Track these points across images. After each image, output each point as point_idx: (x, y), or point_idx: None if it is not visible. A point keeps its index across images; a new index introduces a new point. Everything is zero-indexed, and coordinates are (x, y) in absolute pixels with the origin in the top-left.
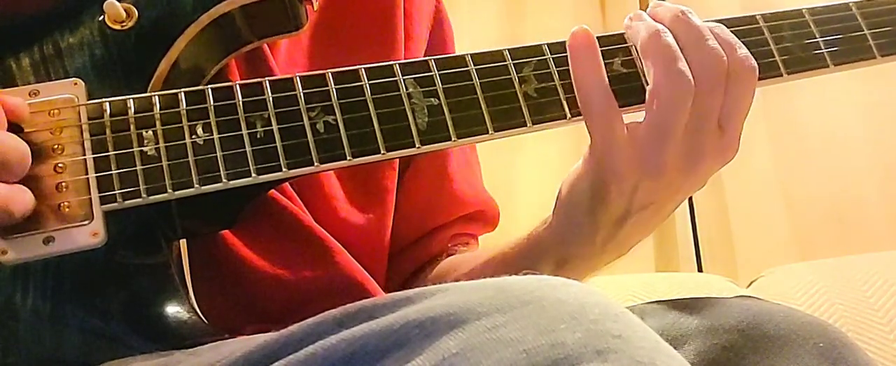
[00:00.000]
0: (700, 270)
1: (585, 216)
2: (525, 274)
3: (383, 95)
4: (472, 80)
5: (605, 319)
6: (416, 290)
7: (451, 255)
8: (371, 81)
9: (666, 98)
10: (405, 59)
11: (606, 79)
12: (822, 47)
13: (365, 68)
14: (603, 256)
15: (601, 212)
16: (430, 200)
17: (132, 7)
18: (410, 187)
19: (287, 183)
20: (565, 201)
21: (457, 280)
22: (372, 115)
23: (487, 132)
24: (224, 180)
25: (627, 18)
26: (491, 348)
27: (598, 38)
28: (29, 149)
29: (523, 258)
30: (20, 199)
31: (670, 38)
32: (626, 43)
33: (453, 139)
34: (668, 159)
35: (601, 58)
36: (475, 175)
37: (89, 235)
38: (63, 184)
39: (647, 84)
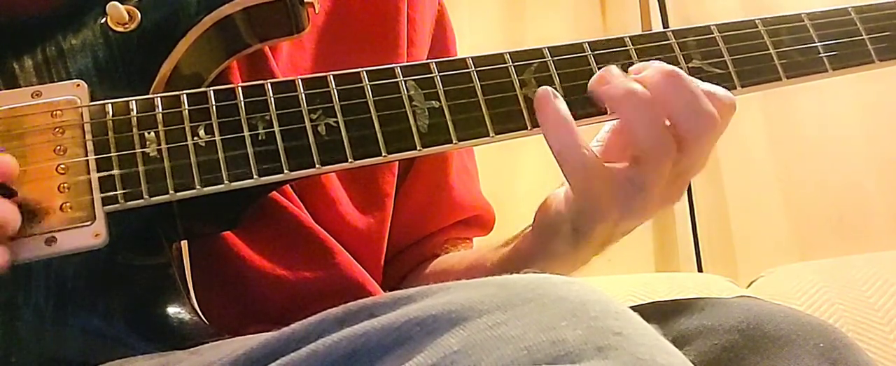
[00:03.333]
0: (700, 270)
1: (570, 247)
2: (526, 272)
3: (385, 97)
4: (473, 82)
5: (605, 316)
6: (417, 288)
7: (444, 254)
8: (372, 84)
9: (653, 161)
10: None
11: (579, 136)
12: (821, 52)
13: (366, 71)
14: (584, 264)
15: (585, 244)
16: (427, 204)
17: (135, 9)
18: (409, 192)
19: (288, 184)
20: (547, 231)
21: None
22: (373, 117)
23: (488, 135)
24: (226, 182)
25: (596, 77)
26: (492, 346)
27: (597, 41)
28: (18, 213)
29: (503, 271)
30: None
31: (648, 97)
32: (625, 47)
33: (454, 142)
34: (651, 203)
35: (571, 120)
36: (472, 180)
37: (91, 235)
38: (65, 184)
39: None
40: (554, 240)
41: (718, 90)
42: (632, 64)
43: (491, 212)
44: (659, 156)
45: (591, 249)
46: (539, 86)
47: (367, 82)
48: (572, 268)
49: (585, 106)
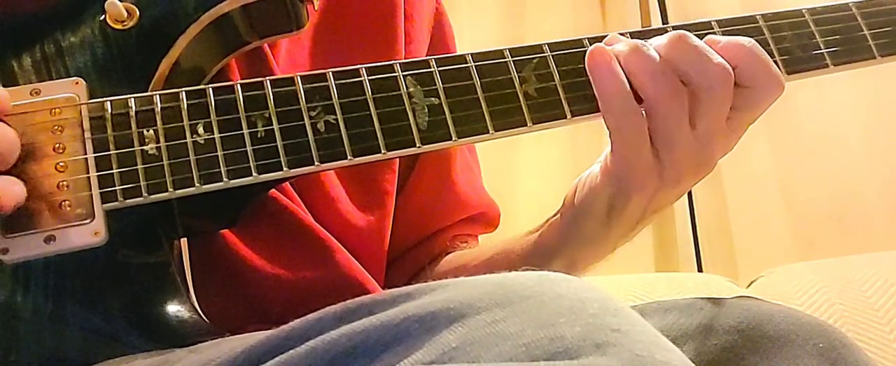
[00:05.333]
0: (700, 270)
1: (601, 226)
2: (525, 270)
3: (384, 94)
4: (472, 79)
5: (604, 313)
6: (416, 286)
7: (452, 252)
8: (371, 80)
9: (663, 109)
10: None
11: (628, 86)
12: (822, 47)
13: (365, 67)
14: (612, 251)
15: (617, 222)
16: (433, 202)
17: (133, 6)
18: (414, 190)
19: (288, 182)
20: (579, 211)
21: (457, 277)
22: (372, 114)
23: (488, 132)
24: (225, 179)
25: (589, 55)
26: (490, 342)
27: (596, 37)
28: (17, 137)
29: (530, 260)
30: (10, 190)
31: (651, 51)
32: None
33: (454, 139)
34: (684, 169)
35: (618, 66)
36: (476, 177)
37: (90, 233)
38: (64, 182)
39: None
40: (587, 221)
41: (741, 39)
42: None
43: (496, 209)
44: (668, 103)
45: (622, 230)
46: (539, 82)
47: (367, 79)
48: (602, 255)
49: (587, 102)
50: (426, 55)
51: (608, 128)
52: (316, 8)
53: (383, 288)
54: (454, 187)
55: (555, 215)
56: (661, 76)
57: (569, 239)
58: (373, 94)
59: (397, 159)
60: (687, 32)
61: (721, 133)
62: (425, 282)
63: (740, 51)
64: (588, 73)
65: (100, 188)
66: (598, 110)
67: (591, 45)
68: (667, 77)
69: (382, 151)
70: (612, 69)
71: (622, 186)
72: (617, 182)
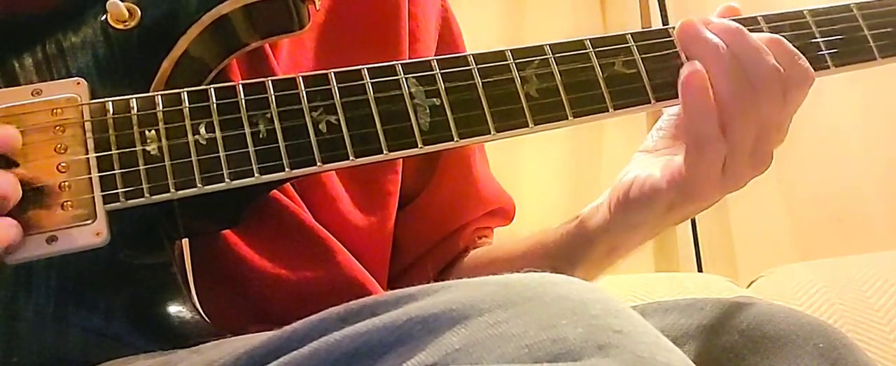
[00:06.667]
0: (700, 270)
1: (655, 219)
2: (527, 271)
3: (385, 94)
4: (473, 80)
5: (606, 314)
6: (419, 287)
7: (476, 248)
8: (373, 81)
9: (736, 112)
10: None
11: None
12: (823, 48)
13: (367, 68)
14: (655, 236)
15: (672, 218)
16: (457, 198)
17: (135, 6)
18: (439, 187)
19: (289, 183)
20: (633, 205)
21: (493, 272)
22: (374, 114)
23: (489, 132)
24: (227, 180)
25: (679, 23)
26: (493, 344)
27: (598, 38)
28: (19, 183)
29: (571, 248)
30: (4, 234)
31: (727, 51)
32: (626, 43)
33: (455, 139)
34: (745, 172)
35: (712, 92)
36: (490, 172)
37: (92, 234)
38: (66, 183)
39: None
40: (641, 214)
41: (781, 42)
42: (634, 61)
43: (512, 202)
44: (742, 107)
45: (673, 222)
46: (541, 83)
47: (368, 80)
48: (644, 241)
49: (587, 103)
50: (435, 55)
51: (689, 147)
52: (317, 8)
53: (387, 288)
54: (476, 183)
55: (595, 205)
56: (739, 83)
57: (614, 228)
58: (375, 94)
59: (401, 160)
60: (741, 27)
61: (774, 137)
62: (453, 277)
63: (772, 44)
64: (680, 89)
65: (101, 189)
66: (599, 112)
67: (593, 46)
68: (743, 85)
69: (384, 152)
70: (708, 96)
71: (686, 196)
72: (681, 192)
